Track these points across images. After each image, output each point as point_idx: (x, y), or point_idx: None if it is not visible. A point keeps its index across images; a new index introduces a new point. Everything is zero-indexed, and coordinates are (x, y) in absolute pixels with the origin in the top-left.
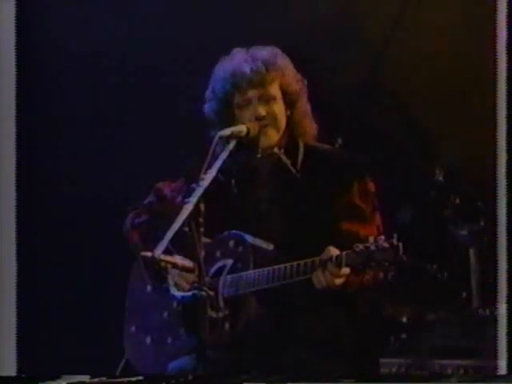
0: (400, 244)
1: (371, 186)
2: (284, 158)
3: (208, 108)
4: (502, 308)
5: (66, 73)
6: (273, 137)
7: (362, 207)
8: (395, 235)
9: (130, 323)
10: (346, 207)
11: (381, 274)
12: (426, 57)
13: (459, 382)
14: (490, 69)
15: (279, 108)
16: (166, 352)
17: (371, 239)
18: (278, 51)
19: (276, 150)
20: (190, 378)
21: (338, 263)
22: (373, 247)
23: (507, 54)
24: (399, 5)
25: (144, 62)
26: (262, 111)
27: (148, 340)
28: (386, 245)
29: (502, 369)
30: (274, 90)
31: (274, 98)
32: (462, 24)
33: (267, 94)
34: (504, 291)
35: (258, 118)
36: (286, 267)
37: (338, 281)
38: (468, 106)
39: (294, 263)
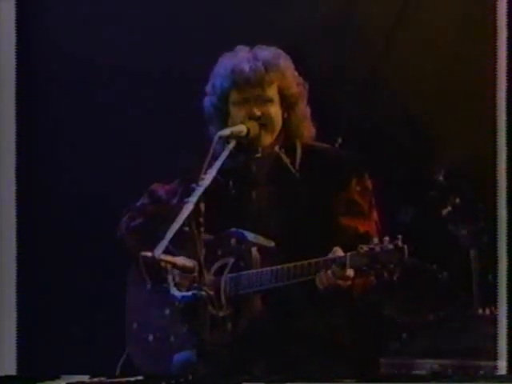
0: (405, 246)
1: (369, 183)
2: (284, 157)
3: (207, 102)
4: (502, 308)
5: (66, 73)
6: (267, 138)
7: (360, 203)
8: (400, 236)
9: (131, 321)
10: (345, 203)
11: (386, 276)
12: (426, 57)
13: (459, 382)
14: (490, 69)
15: (275, 110)
16: (168, 350)
17: (375, 240)
18: (281, 53)
19: (276, 148)
20: (190, 378)
21: (342, 264)
22: (377, 249)
23: (507, 53)
24: (400, 5)
25: (144, 61)
26: (257, 111)
27: (150, 338)
28: (390, 246)
29: (502, 369)
30: (272, 92)
31: (270, 100)
32: (462, 24)
33: (264, 94)
34: (504, 292)
35: (253, 118)
36: (289, 267)
37: (343, 282)
38: (469, 106)
39: (298, 263)
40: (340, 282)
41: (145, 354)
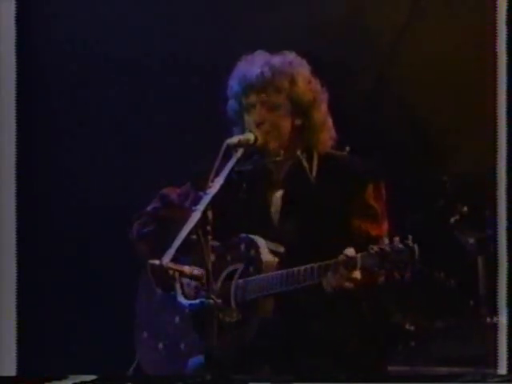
0: (415, 245)
1: (384, 190)
2: (305, 162)
3: (229, 106)
4: (503, 315)
5: (67, 73)
6: (272, 144)
7: (375, 207)
8: (410, 236)
9: (142, 329)
10: (360, 208)
11: (396, 275)
12: (434, 62)
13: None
14: (491, 76)
15: (282, 117)
16: (178, 357)
17: (386, 240)
18: (296, 60)
19: (299, 153)
20: (199, 380)
21: (353, 265)
22: (388, 248)
23: (507, 56)
24: (408, 10)
25: (149, 62)
26: (261, 118)
27: (160, 346)
28: (401, 246)
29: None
30: (280, 99)
31: (277, 107)
32: (463, 26)
33: (270, 100)
34: (504, 299)
35: (257, 124)
36: (299, 270)
37: (348, 284)
38: (475, 113)
39: (308, 266)
40: (346, 284)
41: (155, 361)
